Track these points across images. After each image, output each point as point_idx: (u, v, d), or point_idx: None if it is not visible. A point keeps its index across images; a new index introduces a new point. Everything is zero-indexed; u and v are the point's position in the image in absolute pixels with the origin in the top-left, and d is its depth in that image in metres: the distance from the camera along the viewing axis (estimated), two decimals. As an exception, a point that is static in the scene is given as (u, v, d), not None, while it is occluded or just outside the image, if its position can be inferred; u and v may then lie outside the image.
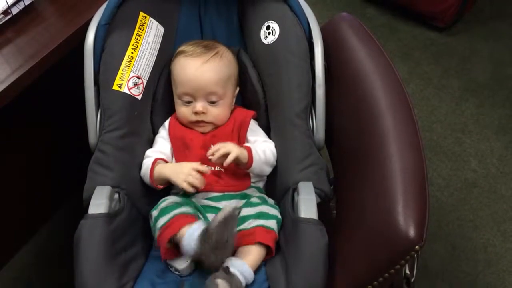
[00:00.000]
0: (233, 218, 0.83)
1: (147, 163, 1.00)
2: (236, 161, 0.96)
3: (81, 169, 0.99)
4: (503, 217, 1.48)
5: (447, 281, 1.36)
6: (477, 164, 1.60)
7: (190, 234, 0.85)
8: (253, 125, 1.07)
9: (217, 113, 1.03)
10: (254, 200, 0.98)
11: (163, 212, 0.92)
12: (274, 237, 0.92)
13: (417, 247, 0.75)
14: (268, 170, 1.03)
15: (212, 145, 1.02)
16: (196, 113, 1.02)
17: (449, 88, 1.80)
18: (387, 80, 0.95)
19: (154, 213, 0.94)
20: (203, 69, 1.02)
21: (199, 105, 1.02)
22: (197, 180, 0.93)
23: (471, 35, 1.96)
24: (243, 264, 0.87)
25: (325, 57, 1.02)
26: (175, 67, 1.05)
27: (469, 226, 1.47)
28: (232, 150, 0.95)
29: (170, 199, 0.95)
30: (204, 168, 0.95)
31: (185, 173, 0.93)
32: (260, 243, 0.90)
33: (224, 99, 1.04)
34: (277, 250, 0.93)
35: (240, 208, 0.84)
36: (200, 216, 0.95)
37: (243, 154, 0.97)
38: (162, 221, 0.91)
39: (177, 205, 0.93)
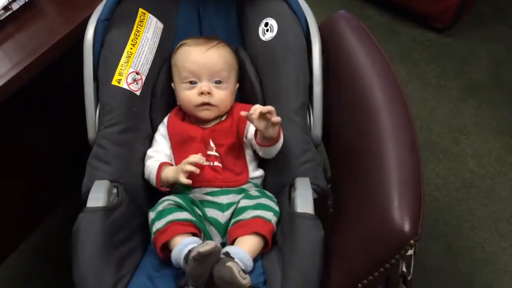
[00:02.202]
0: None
1: (151, 165, 1.01)
2: (271, 133, 0.93)
3: (80, 167, 0.99)
4: (500, 217, 1.49)
5: (444, 280, 1.36)
6: (475, 165, 1.60)
7: (179, 251, 0.86)
8: None
9: (222, 95, 1.04)
10: (253, 192, 0.99)
11: (159, 215, 0.93)
12: (271, 228, 0.93)
13: (412, 241, 0.75)
14: (276, 153, 1.00)
15: (211, 140, 1.03)
16: (201, 93, 1.02)
17: (448, 89, 1.80)
18: (384, 78, 0.96)
19: (151, 214, 0.95)
20: (208, 53, 1.04)
21: (205, 85, 1.02)
22: (190, 166, 0.93)
23: (470, 36, 1.96)
24: (242, 251, 0.87)
25: (322, 54, 1.03)
26: (177, 56, 1.07)
27: (466, 226, 1.47)
28: (273, 110, 0.91)
29: (167, 200, 0.95)
30: (198, 159, 0.94)
31: (180, 167, 0.94)
32: (256, 233, 0.91)
33: (228, 84, 1.05)
34: (274, 244, 0.94)
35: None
36: (195, 218, 0.94)
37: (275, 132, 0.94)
38: (157, 225, 0.92)
39: (173, 209, 0.93)
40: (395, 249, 0.76)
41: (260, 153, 1.01)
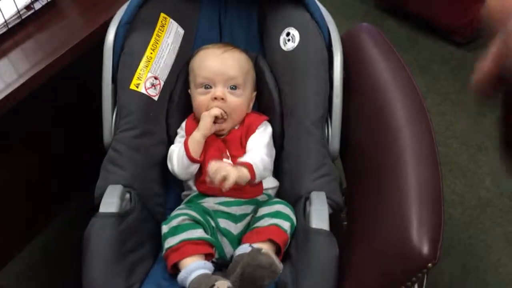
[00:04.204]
0: None
1: (177, 148, 1.00)
2: (237, 184, 0.89)
3: (93, 167, 0.99)
4: (516, 238, 1.46)
5: (456, 300, 1.34)
6: (492, 183, 1.57)
7: (184, 278, 0.86)
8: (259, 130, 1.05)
9: (237, 103, 1.02)
10: (270, 200, 0.99)
11: (172, 231, 0.91)
12: (286, 239, 0.91)
13: (430, 264, 0.73)
14: (268, 175, 1.01)
15: (227, 150, 1.01)
16: (215, 98, 1.01)
17: (467, 104, 1.77)
18: (406, 93, 0.94)
19: (164, 228, 0.93)
20: (224, 56, 1.03)
21: (219, 90, 1.01)
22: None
23: (491, 51, 1.93)
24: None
25: (344, 66, 1.02)
26: (194, 60, 1.06)
27: (481, 245, 1.44)
28: (230, 174, 0.87)
29: (182, 216, 0.93)
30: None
31: (205, 114, 0.99)
32: (271, 241, 0.89)
33: (244, 91, 1.03)
34: (287, 258, 0.92)
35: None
36: (208, 236, 0.93)
37: (243, 174, 0.91)
38: (170, 242, 0.90)
39: (188, 225, 0.92)
40: (412, 272, 0.74)
41: None
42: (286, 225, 0.92)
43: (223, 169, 0.87)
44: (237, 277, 0.79)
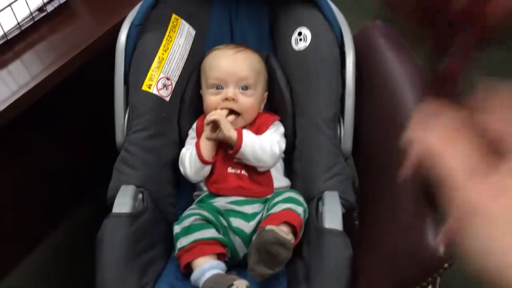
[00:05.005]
0: None
1: (189, 151, 1.00)
2: (222, 134, 0.96)
3: (103, 168, 0.99)
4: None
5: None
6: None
7: (197, 277, 0.87)
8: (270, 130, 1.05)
9: (248, 103, 1.02)
10: (281, 189, 1.00)
11: (185, 231, 0.92)
12: (301, 222, 0.92)
13: (446, 264, 0.72)
14: (268, 161, 0.99)
15: None
16: (226, 99, 1.01)
17: (479, 102, 1.75)
18: (420, 93, 0.93)
19: (176, 228, 0.94)
20: (236, 57, 1.03)
21: (230, 91, 1.01)
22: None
23: (500, 47, 1.91)
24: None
25: (356, 65, 1.01)
26: (206, 60, 1.06)
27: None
28: (217, 115, 0.97)
29: (194, 215, 0.93)
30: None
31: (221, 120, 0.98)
32: (286, 223, 0.89)
33: (255, 91, 1.03)
34: (299, 258, 0.92)
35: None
36: (221, 235, 0.93)
37: (231, 129, 0.96)
38: (182, 242, 0.91)
39: (200, 225, 0.92)
40: (427, 273, 0.73)
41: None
42: (299, 209, 0.92)
43: (215, 114, 0.98)
44: (256, 259, 0.82)
